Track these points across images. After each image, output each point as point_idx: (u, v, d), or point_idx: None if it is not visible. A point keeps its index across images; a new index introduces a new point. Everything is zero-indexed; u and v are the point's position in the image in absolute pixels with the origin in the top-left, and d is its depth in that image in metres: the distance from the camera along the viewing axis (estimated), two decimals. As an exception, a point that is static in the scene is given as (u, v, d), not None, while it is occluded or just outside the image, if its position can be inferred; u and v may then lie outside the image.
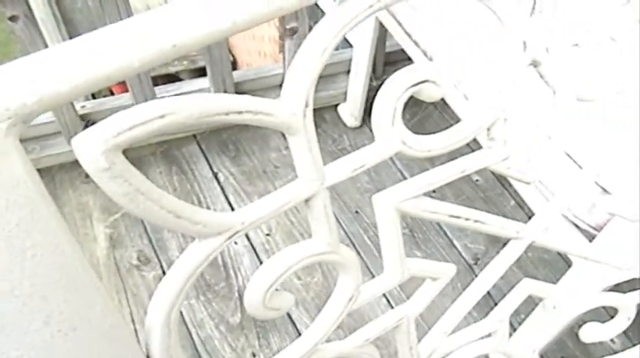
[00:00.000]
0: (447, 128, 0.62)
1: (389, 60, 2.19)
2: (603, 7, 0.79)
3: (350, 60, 2.14)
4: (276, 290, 0.59)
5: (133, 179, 0.42)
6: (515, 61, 0.62)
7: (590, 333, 0.93)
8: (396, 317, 0.74)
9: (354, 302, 0.67)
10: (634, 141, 1.10)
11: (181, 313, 1.77)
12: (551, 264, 1.95)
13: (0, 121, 0.37)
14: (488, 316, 0.86)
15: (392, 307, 1.78)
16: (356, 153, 0.58)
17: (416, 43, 1.49)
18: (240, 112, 0.46)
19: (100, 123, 0.40)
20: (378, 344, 0.76)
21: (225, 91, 2.01)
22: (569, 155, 1.07)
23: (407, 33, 1.52)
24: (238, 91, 2.09)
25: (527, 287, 0.84)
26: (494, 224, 0.72)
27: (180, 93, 2.02)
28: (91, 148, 0.39)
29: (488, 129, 0.65)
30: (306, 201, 0.56)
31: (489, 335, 0.89)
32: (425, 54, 1.46)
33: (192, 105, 0.43)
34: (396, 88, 0.55)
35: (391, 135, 0.57)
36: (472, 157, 0.67)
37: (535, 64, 0.63)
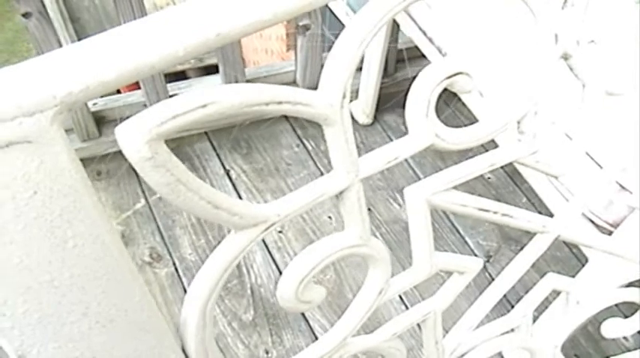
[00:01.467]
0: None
1: (401, 57, 2.19)
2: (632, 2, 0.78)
3: (362, 57, 2.13)
4: (309, 283, 0.58)
5: (175, 169, 0.42)
6: (546, 54, 0.61)
7: (612, 329, 0.93)
8: (423, 312, 0.74)
9: (384, 295, 0.67)
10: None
11: None
12: (563, 262, 1.94)
13: (46, 109, 0.37)
14: (512, 311, 0.86)
15: (404, 304, 1.77)
16: (390, 146, 0.57)
17: (431, 40, 1.49)
18: (280, 103, 0.46)
19: (143, 113, 0.40)
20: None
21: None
22: (588, 154, 1.06)
23: (421, 30, 1.51)
24: None
25: (551, 281, 0.83)
26: (522, 217, 0.72)
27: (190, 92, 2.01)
28: (135, 137, 0.39)
29: (519, 122, 0.65)
30: (340, 193, 0.56)
31: (512, 330, 0.89)
32: (440, 51, 1.46)
33: (234, 95, 0.43)
34: (431, 80, 0.55)
35: (425, 127, 0.56)
36: (501, 151, 0.66)
37: (566, 57, 0.63)
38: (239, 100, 0.43)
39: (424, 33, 1.52)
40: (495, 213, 0.69)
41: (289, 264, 0.57)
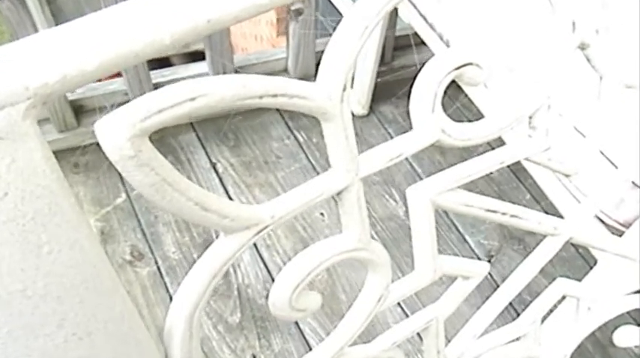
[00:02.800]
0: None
1: (399, 44, 2.17)
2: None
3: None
4: (303, 289, 0.57)
5: (160, 168, 0.41)
6: (562, 43, 0.60)
7: (625, 337, 0.92)
8: (425, 319, 0.73)
9: (384, 302, 0.65)
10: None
11: None
12: (569, 262, 1.93)
13: (18, 101, 0.35)
14: (519, 318, 0.85)
15: (402, 308, 1.76)
16: (393, 142, 0.56)
17: (432, 26, 1.47)
18: (274, 96, 0.44)
19: (126, 106, 0.38)
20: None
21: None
22: (602, 153, 1.05)
23: (422, 15, 1.50)
24: None
25: (561, 286, 0.82)
26: (532, 219, 0.71)
27: (178, 79, 1.99)
28: (116, 133, 0.38)
29: (530, 117, 0.63)
30: (338, 193, 0.54)
31: (518, 338, 0.87)
32: (441, 38, 1.44)
33: (226, 87, 0.41)
34: (438, 71, 0.53)
35: (431, 122, 0.55)
36: (511, 147, 0.65)
37: (583, 47, 0.62)
38: (230, 93, 0.41)
39: (425, 19, 1.50)
40: (504, 214, 0.68)
41: (282, 269, 0.55)
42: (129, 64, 0.38)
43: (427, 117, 0.55)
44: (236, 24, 0.41)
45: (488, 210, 0.66)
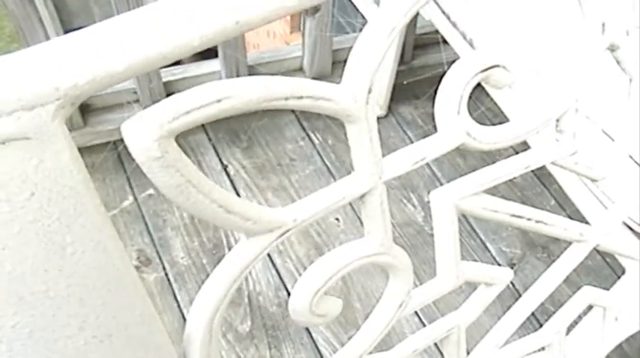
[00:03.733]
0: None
1: (419, 43, 2.18)
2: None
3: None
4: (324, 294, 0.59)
5: (185, 169, 0.42)
6: (592, 45, 0.61)
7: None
8: (446, 327, 0.74)
9: (404, 308, 0.67)
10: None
11: (184, 318, 1.75)
12: (595, 272, 1.94)
13: (47, 102, 0.37)
14: (543, 327, 0.86)
15: (420, 319, 1.77)
16: (416, 145, 0.57)
17: (454, 25, 1.48)
18: (300, 97, 0.46)
19: (153, 107, 0.40)
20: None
21: (238, 75, 2.00)
22: (631, 157, 1.06)
23: (444, 13, 1.51)
24: (252, 75, 2.06)
25: (587, 295, 0.83)
26: (558, 225, 0.72)
27: (189, 77, 2.01)
28: (144, 135, 0.39)
29: (558, 120, 0.65)
30: (361, 196, 0.56)
31: (542, 348, 0.89)
32: (464, 37, 1.46)
33: (252, 89, 0.43)
34: (464, 73, 0.55)
35: (456, 125, 0.57)
36: (537, 151, 0.66)
37: (613, 48, 0.63)
38: (257, 95, 0.43)
39: (447, 16, 1.51)
40: (529, 219, 0.69)
41: (303, 274, 0.57)
42: (156, 66, 0.40)
43: (452, 119, 0.56)
44: (264, 25, 0.43)
45: (514, 216, 0.68)
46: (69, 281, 0.43)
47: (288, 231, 0.52)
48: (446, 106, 0.56)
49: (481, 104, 1.91)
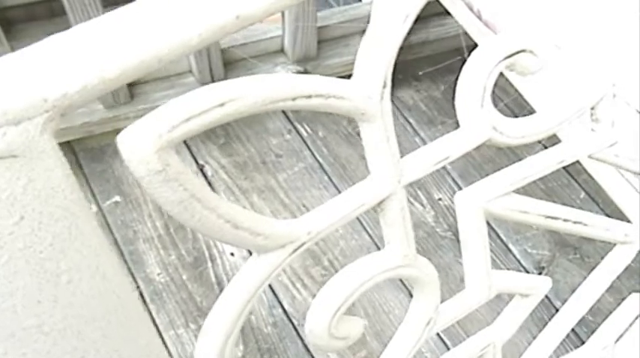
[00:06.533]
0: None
1: (419, 15, 2.16)
2: None
3: (368, 16, 2.10)
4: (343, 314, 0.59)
5: (189, 183, 0.43)
6: (631, 25, 0.62)
7: None
8: (480, 345, 0.75)
9: (432, 327, 0.68)
10: None
11: (166, 345, 1.73)
12: (637, 273, 1.93)
13: (35, 115, 0.37)
14: (588, 342, 0.87)
15: (440, 337, 1.77)
16: (438, 143, 0.58)
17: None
18: (309, 97, 0.47)
19: (150, 116, 0.41)
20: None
21: (210, 60, 1.97)
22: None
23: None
24: (226, 59, 2.04)
25: (636, 303, 0.84)
26: (598, 225, 0.73)
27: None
28: (142, 146, 0.40)
29: (593, 109, 0.66)
30: (380, 203, 0.57)
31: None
32: (471, 8, 1.46)
33: (257, 90, 0.44)
34: (487, 60, 0.56)
35: (480, 119, 0.58)
36: (571, 144, 0.67)
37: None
38: (262, 97, 0.44)
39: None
40: (566, 220, 0.70)
41: (320, 291, 0.58)
42: (151, 69, 0.41)
43: (476, 113, 0.57)
44: (266, 18, 0.44)
45: (548, 217, 0.68)
46: (65, 312, 0.44)
47: (302, 245, 0.52)
48: (468, 99, 0.57)
49: (505, 95, 1.91)
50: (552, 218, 0.69)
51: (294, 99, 0.46)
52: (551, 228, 0.71)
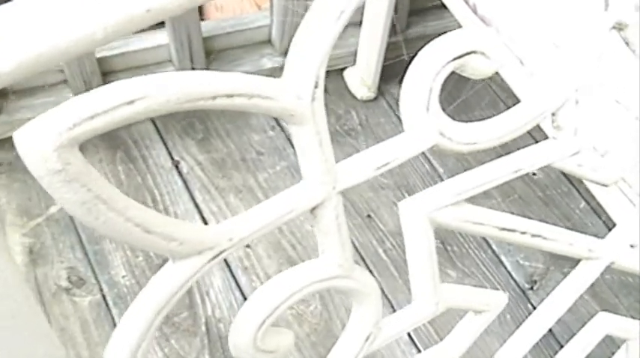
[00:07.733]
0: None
1: (415, 7, 2.18)
2: None
3: (361, 7, 2.12)
4: (271, 326, 0.62)
5: (93, 184, 0.45)
6: (594, 24, 0.64)
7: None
8: (432, 361, 0.77)
9: (373, 342, 0.70)
10: None
11: None
12: (637, 290, 1.95)
13: None
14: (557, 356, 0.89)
15: (415, 345, 1.80)
16: (378, 148, 0.60)
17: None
18: (230, 96, 0.48)
19: (51, 112, 0.42)
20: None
21: (191, 49, 1.99)
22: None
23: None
24: (209, 49, 2.08)
25: (603, 323, 0.86)
26: (560, 239, 0.75)
27: (129, 52, 2.01)
28: (40, 144, 0.42)
29: (554, 115, 0.68)
30: (313, 209, 0.59)
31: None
32: (467, 2, 1.48)
33: (170, 87, 0.46)
34: (433, 61, 0.58)
35: (425, 123, 0.60)
36: (530, 152, 0.69)
37: (619, 27, 0.66)
38: (177, 95, 0.46)
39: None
40: (524, 233, 0.72)
41: (245, 303, 0.60)
42: (52, 64, 0.42)
43: (421, 117, 0.59)
44: (188, 9, 0.45)
45: (503, 229, 0.71)
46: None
47: (222, 252, 0.54)
48: (412, 102, 0.59)
49: (504, 93, 1.92)
50: (508, 230, 0.71)
51: (213, 98, 0.48)
52: (508, 241, 0.73)
